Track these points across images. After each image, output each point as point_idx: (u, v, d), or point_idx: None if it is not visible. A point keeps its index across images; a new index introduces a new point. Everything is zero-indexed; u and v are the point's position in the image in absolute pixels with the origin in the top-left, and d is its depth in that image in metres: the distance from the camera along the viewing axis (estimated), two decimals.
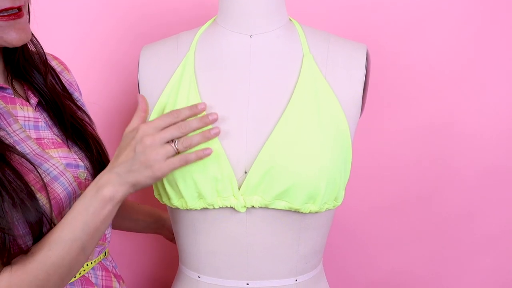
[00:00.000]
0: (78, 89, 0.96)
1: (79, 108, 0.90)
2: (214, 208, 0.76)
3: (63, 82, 0.91)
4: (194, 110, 0.74)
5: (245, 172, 0.74)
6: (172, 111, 0.73)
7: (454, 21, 1.19)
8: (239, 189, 0.74)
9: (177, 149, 0.71)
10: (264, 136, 0.74)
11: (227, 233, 0.77)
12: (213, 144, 0.74)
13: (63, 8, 1.18)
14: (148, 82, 0.82)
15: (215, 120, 0.73)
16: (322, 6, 1.19)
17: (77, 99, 0.93)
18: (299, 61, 0.78)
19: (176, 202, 0.77)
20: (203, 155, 0.72)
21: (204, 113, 0.74)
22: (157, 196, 0.81)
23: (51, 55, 0.94)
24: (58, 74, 0.90)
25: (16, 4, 0.71)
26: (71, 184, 0.79)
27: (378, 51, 1.13)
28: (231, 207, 0.76)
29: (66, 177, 0.79)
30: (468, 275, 1.32)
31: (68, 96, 0.89)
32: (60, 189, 0.77)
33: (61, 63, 0.95)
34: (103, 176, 0.73)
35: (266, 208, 0.75)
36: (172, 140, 0.71)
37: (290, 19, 0.82)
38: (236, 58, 0.78)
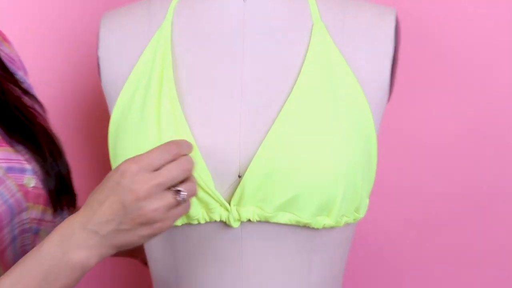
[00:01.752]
0: (22, 66, 0.90)
1: (25, 92, 0.84)
2: (198, 223, 0.72)
3: (2, 58, 0.84)
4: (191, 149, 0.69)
5: (239, 176, 0.71)
6: (171, 143, 0.66)
7: None
8: (231, 198, 0.71)
9: (180, 200, 0.65)
10: (262, 129, 0.71)
11: (216, 255, 0.75)
12: (195, 145, 0.71)
13: None
14: (111, 61, 0.78)
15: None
16: None
17: (22, 80, 0.87)
18: (307, 32, 0.74)
19: None
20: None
21: None
22: None
23: None
24: None
25: None
26: (13, 194, 0.75)
27: (408, 17, 1.06)
28: (221, 222, 0.72)
29: (7, 185, 0.74)
30: None
31: (9, 76, 0.83)
32: None
33: None
34: (75, 231, 0.64)
35: (267, 222, 0.71)
36: (171, 188, 0.66)
37: None
38: (225, 30, 0.75)
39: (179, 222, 0.71)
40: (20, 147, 0.79)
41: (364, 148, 0.71)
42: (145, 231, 0.64)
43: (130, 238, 0.64)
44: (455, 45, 1.18)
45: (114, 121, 0.76)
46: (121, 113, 0.75)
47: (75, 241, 0.64)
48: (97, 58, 0.80)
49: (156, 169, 0.64)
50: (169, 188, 0.64)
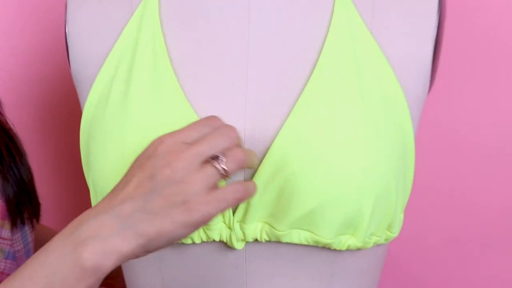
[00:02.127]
0: None
1: None
2: (193, 243, 0.66)
3: None
4: (235, 136, 0.63)
5: None
6: (210, 118, 0.62)
7: None
8: (233, 213, 0.65)
9: (224, 169, 0.58)
10: (273, 126, 0.65)
11: (214, 283, 0.69)
12: None
13: None
14: (82, 38, 0.72)
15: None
16: None
17: None
18: (328, 5, 0.68)
19: None
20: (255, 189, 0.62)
21: None
22: None
23: None
24: None
25: None
26: None
27: None
28: (221, 242, 0.66)
29: None
30: None
31: None
32: None
33: None
34: (89, 219, 0.56)
35: (277, 242, 0.66)
36: (212, 158, 0.60)
37: None
38: (225, 4, 0.69)
39: None
40: None
41: (398, 150, 0.66)
42: (180, 215, 0.56)
43: (160, 224, 0.55)
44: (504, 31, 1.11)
45: (87, 116, 0.70)
46: (96, 104, 0.69)
47: (87, 231, 0.55)
48: (65, 36, 0.72)
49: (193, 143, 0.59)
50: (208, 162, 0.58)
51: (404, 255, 1.19)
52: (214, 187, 0.58)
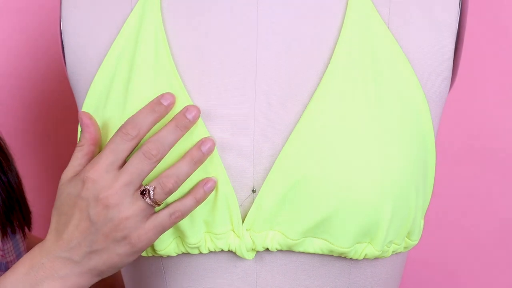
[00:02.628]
0: None
1: None
2: (200, 253, 0.65)
3: None
4: (159, 110, 0.63)
5: (253, 191, 0.64)
6: (125, 125, 0.63)
7: None
8: (243, 221, 0.63)
9: (154, 201, 0.62)
10: (284, 129, 0.64)
11: None
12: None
13: None
14: (78, 38, 0.71)
15: (196, 118, 0.63)
16: None
17: None
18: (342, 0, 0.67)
19: None
20: (205, 193, 0.63)
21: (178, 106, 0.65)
22: None
23: None
24: None
25: None
26: None
27: None
28: (229, 251, 0.65)
29: None
30: None
31: None
32: None
33: None
34: (43, 261, 0.62)
35: (290, 252, 0.64)
36: (141, 192, 0.62)
37: None
38: None
39: (174, 251, 0.65)
40: None
41: (418, 152, 0.64)
42: (122, 248, 0.61)
43: (108, 259, 0.61)
44: None
45: None
46: (94, 107, 0.68)
47: (45, 272, 0.62)
48: (60, 34, 0.71)
49: (119, 166, 0.62)
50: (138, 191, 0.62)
51: (423, 261, 1.17)
52: (151, 213, 0.61)
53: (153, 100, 0.64)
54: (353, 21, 0.66)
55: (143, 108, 0.63)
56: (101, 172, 0.61)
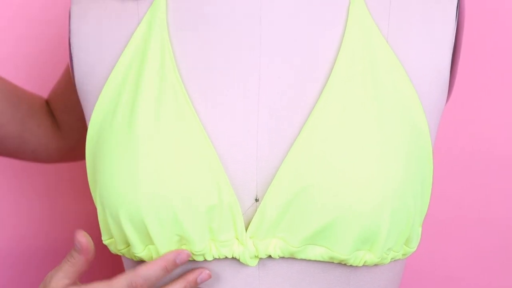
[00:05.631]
0: None
1: None
2: (205, 260, 0.66)
3: None
4: (172, 269, 0.66)
5: (256, 200, 0.66)
6: (136, 278, 0.66)
7: None
8: (246, 229, 0.65)
9: None
10: (286, 141, 0.66)
11: None
12: (204, 152, 0.66)
13: None
14: (87, 50, 0.72)
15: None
16: None
17: None
18: (342, 13, 0.68)
19: (140, 251, 0.67)
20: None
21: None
22: (106, 242, 0.71)
23: None
24: None
25: None
26: None
27: None
28: (233, 258, 0.66)
29: None
30: None
31: None
32: None
33: None
34: None
35: (292, 259, 0.66)
36: None
37: None
38: (237, 9, 0.69)
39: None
40: None
41: (416, 163, 0.66)
42: None
43: None
44: None
45: (93, 130, 0.70)
46: (102, 118, 0.69)
47: None
48: (69, 47, 0.72)
49: None
50: None
51: (420, 269, 1.18)
52: None
53: (168, 257, 0.66)
54: (353, 34, 0.67)
55: (156, 263, 0.65)
56: None
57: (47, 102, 0.94)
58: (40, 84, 1.10)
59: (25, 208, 1.19)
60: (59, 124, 0.95)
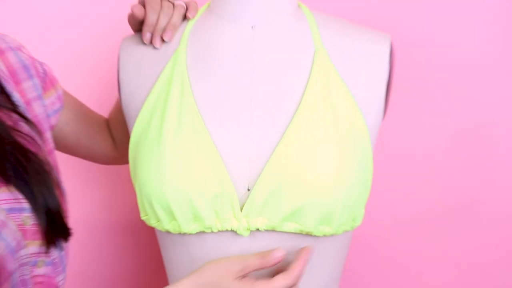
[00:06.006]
0: (36, 72, 0.82)
1: (22, 117, 0.73)
2: (212, 231, 0.73)
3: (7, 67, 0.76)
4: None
5: (248, 190, 0.72)
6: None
7: (490, 7, 1.14)
8: (241, 210, 0.72)
9: None
10: (270, 147, 0.72)
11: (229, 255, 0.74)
12: (211, 156, 0.71)
13: None
14: (131, 82, 0.77)
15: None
16: None
17: (18, 103, 0.75)
18: (310, 57, 0.75)
19: (167, 225, 0.73)
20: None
21: None
22: (144, 218, 0.76)
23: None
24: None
25: None
26: (15, 236, 0.68)
27: (402, 41, 1.07)
28: (232, 231, 0.73)
29: (9, 227, 0.67)
30: None
31: (4, 100, 0.72)
32: (1, 246, 0.66)
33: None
34: None
35: (273, 231, 0.73)
36: None
37: (299, 5, 0.78)
38: (235, 55, 0.75)
39: (194, 230, 0.73)
40: (11, 186, 0.70)
41: (361, 165, 0.72)
42: None
43: None
44: (439, 68, 1.21)
45: (134, 140, 0.76)
46: (140, 132, 0.75)
47: None
48: (118, 80, 0.79)
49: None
50: None
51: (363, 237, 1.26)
52: None
53: (302, 265, 0.70)
54: (318, 73, 0.74)
55: (300, 265, 0.69)
56: None
57: (107, 121, 1.00)
58: (98, 106, 1.11)
59: (96, 194, 1.26)
60: (114, 138, 0.99)
